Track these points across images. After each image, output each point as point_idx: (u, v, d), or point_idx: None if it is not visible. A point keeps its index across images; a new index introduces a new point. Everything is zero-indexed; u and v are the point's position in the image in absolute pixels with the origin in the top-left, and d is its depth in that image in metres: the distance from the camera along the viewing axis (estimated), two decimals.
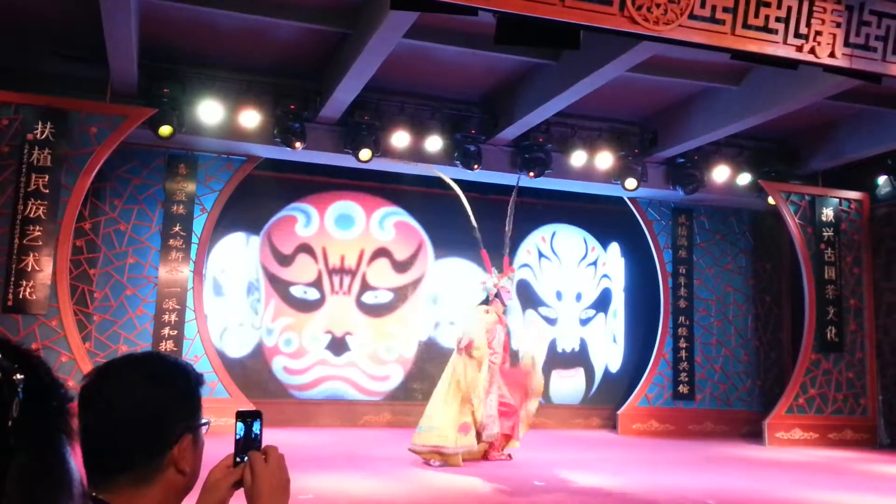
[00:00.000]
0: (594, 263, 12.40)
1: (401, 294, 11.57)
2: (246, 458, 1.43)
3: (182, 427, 1.33)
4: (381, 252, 11.54)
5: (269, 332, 11.04)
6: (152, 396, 1.32)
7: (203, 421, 1.39)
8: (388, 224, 11.67)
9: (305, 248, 11.27)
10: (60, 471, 0.78)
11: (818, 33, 5.57)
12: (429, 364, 11.47)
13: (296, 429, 9.94)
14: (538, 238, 12.23)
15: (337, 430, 10.35)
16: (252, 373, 10.67)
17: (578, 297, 12.21)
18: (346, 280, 11.37)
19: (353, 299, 11.36)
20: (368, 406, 11.14)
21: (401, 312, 11.53)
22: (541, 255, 12.25)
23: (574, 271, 12.27)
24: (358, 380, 11.21)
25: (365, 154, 9.70)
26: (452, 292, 11.63)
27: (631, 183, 10.69)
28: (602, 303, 12.34)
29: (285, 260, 11.17)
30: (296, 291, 11.18)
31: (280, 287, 11.11)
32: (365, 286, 11.41)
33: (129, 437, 1.29)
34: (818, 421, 10.83)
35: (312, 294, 11.22)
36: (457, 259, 11.73)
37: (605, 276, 12.44)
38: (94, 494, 0.88)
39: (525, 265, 12.14)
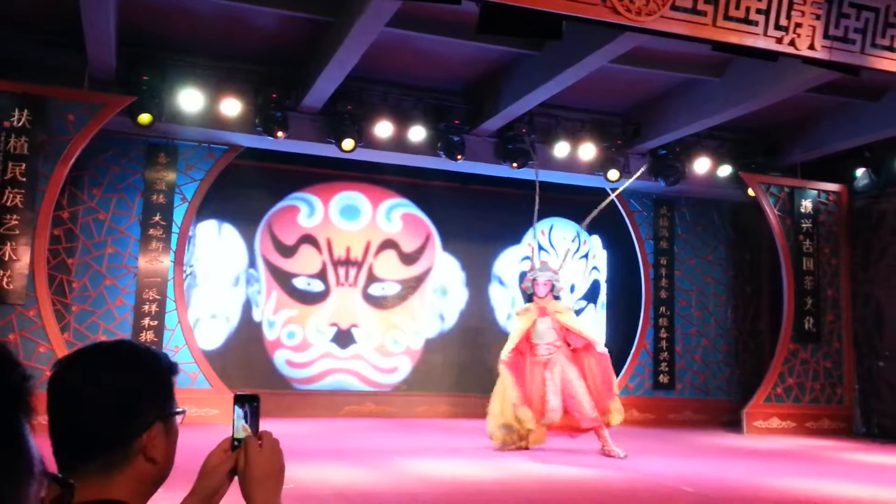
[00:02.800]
0: (585, 256, 12.50)
1: (408, 286, 11.59)
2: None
3: (152, 415, 1.32)
4: (388, 244, 11.57)
5: (271, 324, 11.00)
6: (119, 383, 1.30)
7: (177, 409, 1.38)
8: (395, 216, 11.69)
9: (309, 239, 11.24)
10: (19, 449, 0.77)
11: (798, 25, 5.61)
12: (436, 356, 11.51)
13: (296, 420, 9.96)
14: (538, 231, 12.28)
15: (338, 421, 10.35)
16: (236, 363, 10.64)
17: (572, 288, 12.30)
18: (353, 272, 11.37)
19: (359, 291, 11.36)
20: (371, 397, 11.19)
21: (409, 304, 11.56)
22: (540, 247, 12.30)
23: (568, 267, 12.36)
24: (365, 372, 11.24)
25: (348, 144, 9.67)
26: (460, 284, 11.69)
27: (613, 174, 10.73)
28: (592, 294, 12.44)
29: (287, 251, 11.13)
30: (299, 283, 11.14)
31: (282, 278, 11.07)
32: (372, 278, 11.43)
33: (96, 424, 1.27)
34: (796, 410, 10.95)
35: (317, 286, 11.20)
36: (465, 251, 11.77)
37: (594, 268, 12.57)
38: (57, 475, 0.87)
39: (527, 258, 12.21)
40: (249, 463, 1.39)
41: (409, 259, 11.66)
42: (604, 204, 9.13)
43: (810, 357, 11.15)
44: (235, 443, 1.42)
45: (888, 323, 10.91)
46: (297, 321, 11.07)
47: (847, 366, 11.30)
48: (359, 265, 11.39)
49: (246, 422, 1.44)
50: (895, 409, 10.64)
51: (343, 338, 11.19)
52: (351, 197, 11.48)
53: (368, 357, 11.28)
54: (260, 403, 1.47)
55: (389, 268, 11.53)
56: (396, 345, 11.44)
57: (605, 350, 8.28)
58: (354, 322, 11.26)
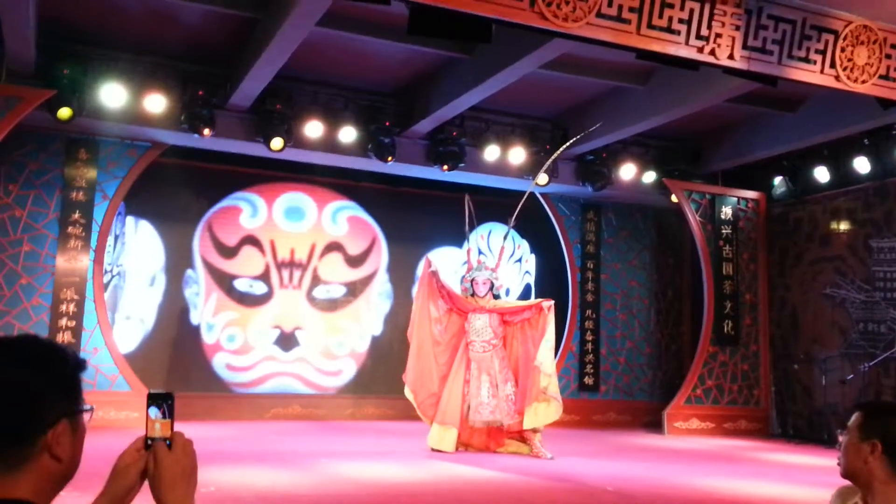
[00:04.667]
0: (519, 260, 12.62)
1: (354, 289, 11.50)
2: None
3: (57, 411, 1.28)
4: (334, 246, 11.47)
5: (210, 327, 10.75)
6: (21, 378, 1.26)
7: (84, 407, 1.34)
8: (341, 218, 11.59)
9: (251, 240, 11.03)
10: None
11: (718, 35, 5.79)
12: (381, 358, 11.41)
13: (222, 423, 9.80)
14: (477, 236, 12.35)
15: (264, 424, 10.21)
16: (168, 366, 10.39)
17: (507, 292, 12.40)
18: (297, 274, 11.22)
19: (303, 293, 11.22)
20: (298, 399, 11.06)
21: (354, 307, 11.48)
22: (479, 252, 12.36)
23: (504, 267, 12.45)
24: (308, 375, 11.13)
25: (277, 143, 9.54)
26: (406, 287, 11.65)
27: (542, 178, 10.86)
28: (524, 297, 12.53)
29: (229, 252, 10.90)
30: (240, 285, 10.93)
31: (223, 280, 10.84)
32: (316, 280, 11.30)
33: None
34: (714, 411, 11.28)
35: (259, 288, 11.01)
36: (411, 254, 11.73)
37: (526, 272, 12.71)
38: None
39: (465, 263, 12.25)
40: (158, 464, 1.37)
41: (354, 262, 11.59)
42: (524, 198, 9.22)
43: (729, 359, 11.50)
44: (148, 442, 1.39)
45: (803, 326, 11.34)
46: (237, 324, 10.88)
47: (764, 368, 11.68)
48: (303, 267, 11.28)
49: (160, 421, 1.41)
50: (809, 411, 11.05)
51: (286, 341, 11.06)
52: (296, 198, 11.36)
53: (312, 360, 11.18)
54: (174, 402, 1.43)
55: (335, 270, 11.45)
56: (341, 347, 11.36)
57: (551, 302, 8.51)
58: (298, 325, 11.13)
